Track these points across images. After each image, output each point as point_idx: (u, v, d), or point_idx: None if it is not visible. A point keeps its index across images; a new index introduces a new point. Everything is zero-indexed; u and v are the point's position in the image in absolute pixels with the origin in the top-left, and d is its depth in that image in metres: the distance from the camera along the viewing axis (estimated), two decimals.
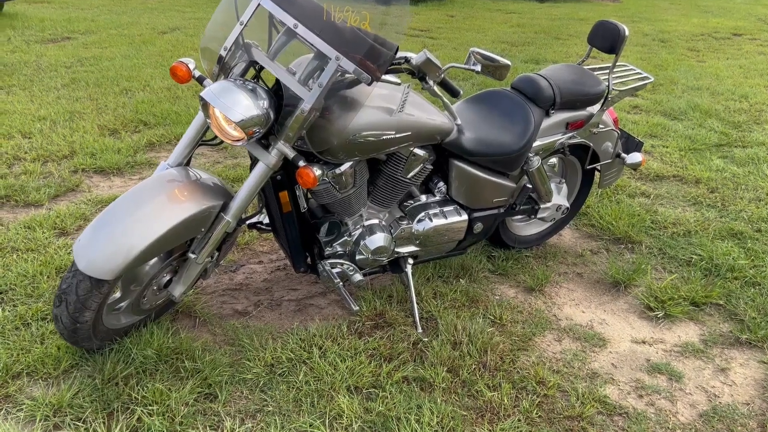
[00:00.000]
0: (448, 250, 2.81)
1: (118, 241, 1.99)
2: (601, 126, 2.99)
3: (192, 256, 2.23)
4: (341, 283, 2.46)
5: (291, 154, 2.11)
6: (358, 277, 2.49)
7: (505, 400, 2.17)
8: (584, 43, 9.19)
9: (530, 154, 2.78)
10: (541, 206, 3.03)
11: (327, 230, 2.46)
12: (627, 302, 2.86)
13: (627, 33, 2.82)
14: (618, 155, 3.19)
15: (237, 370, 2.25)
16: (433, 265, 2.97)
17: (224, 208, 2.19)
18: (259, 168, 2.15)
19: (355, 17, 2.02)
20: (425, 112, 2.38)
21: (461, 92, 2.30)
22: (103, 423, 1.97)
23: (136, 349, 2.25)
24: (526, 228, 3.25)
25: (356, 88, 2.21)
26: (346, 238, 2.49)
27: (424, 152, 2.48)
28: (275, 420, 2.05)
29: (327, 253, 2.49)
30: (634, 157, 3.15)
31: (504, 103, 2.79)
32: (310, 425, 2.02)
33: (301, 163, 2.10)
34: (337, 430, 2.02)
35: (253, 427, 2.02)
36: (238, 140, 2.04)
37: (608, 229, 3.45)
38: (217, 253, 2.40)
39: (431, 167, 2.59)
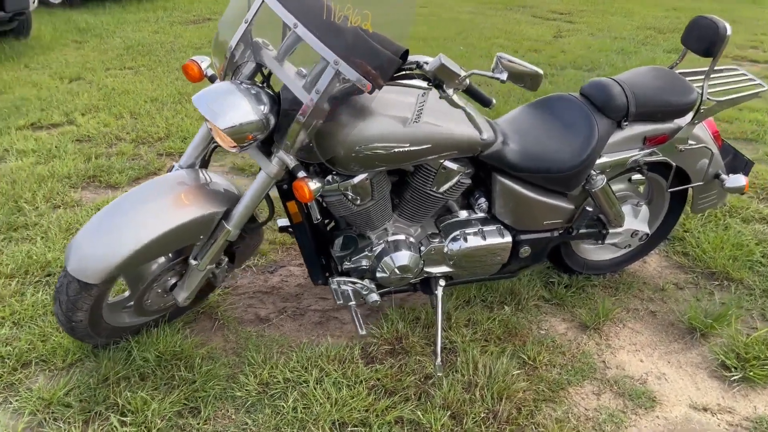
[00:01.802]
0: (490, 273, 2.52)
1: (109, 244, 1.95)
2: (691, 142, 2.52)
3: (193, 262, 2.15)
4: (353, 303, 2.27)
5: (291, 163, 1.95)
6: (373, 297, 2.29)
7: None
8: (755, 30, 8.10)
9: (594, 172, 2.40)
10: (611, 231, 2.62)
11: (342, 244, 2.27)
12: (700, 355, 2.41)
13: (728, 32, 2.33)
14: (717, 176, 2.68)
15: (230, 385, 2.15)
16: (477, 287, 2.68)
17: (227, 215, 2.08)
18: (260, 177, 2.02)
19: (356, 16, 1.79)
20: (452, 122, 2.11)
21: (494, 102, 1.99)
22: (80, 428, 1.95)
23: (138, 351, 2.23)
24: (597, 252, 2.85)
25: (366, 94, 1.99)
26: (366, 252, 2.30)
27: (457, 166, 2.21)
28: None
29: (345, 268, 2.31)
30: (736, 180, 2.64)
31: (565, 111, 2.43)
32: None
33: (300, 174, 1.94)
34: None
35: None
36: (232, 147, 1.91)
37: (704, 259, 2.94)
38: (225, 259, 2.30)
39: (469, 181, 2.31)
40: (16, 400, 2.06)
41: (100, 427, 1.95)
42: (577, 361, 2.34)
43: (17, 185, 3.41)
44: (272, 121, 1.92)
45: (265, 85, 2.02)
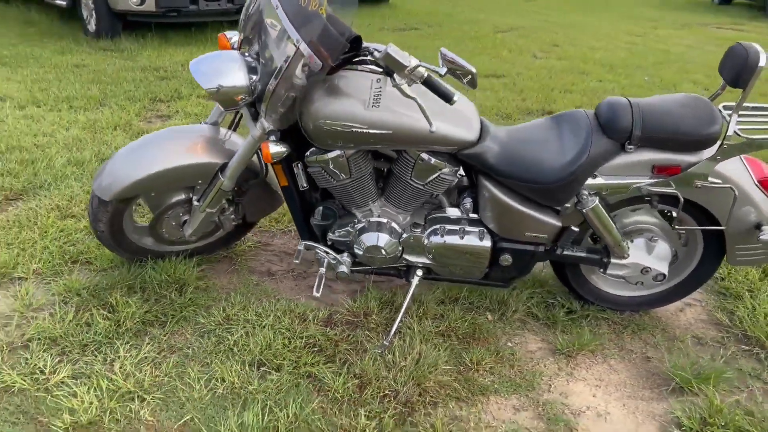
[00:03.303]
0: (475, 278, 2.55)
1: (124, 170, 2.41)
2: (712, 179, 2.29)
3: (196, 203, 2.54)
4: (323, 269, 2.47)
5: (267, 128, 2.23)
6: (342, 268, 2.47)
7: None
8: None
9: (585, 192, 2.31)
10: (613, 260, 2.48)
11: (322, 215, 2.49)
12: (665, 408, 2.19)
13: (763, 62, 2.09)
14: (758, 226, 2.38)
15: (201, 312, 2.49)
16: (470, 290, 2.70)
17: (225, 167, 2.43)
18: (249, 138, 2.33)
19: (315, 2, 2.02)
20: (416, 113, 2.20)
21: (455, 96, 2.06)
22: (69, 312, 2.42)
23: (150, 269, 2.67)
24: (616, 285, 2.68)
25: (338, 75, 2.20)
26: (349, 228, 2.49)
27: (434, 160, 2.31)
28: (183, 361, 2.24)
29: (330, 238, 2.52)
30: None
31: (569, 125, 2.37)
32: (197, 379, 2.15)
33: (270, 138, 2.21)
34: (211, 390, 2.12)
35: (163, 358, 2.25)
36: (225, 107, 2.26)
37: (746, 321, 2.61)
38: (231, 208, 2.65)
39: (453, 179, 2.39)
40: (52, 283, 2.61)
41: (85, 315, 2.41)
42: (521, 376, 2.28)
43: None
44: (259, 88, 2.22)
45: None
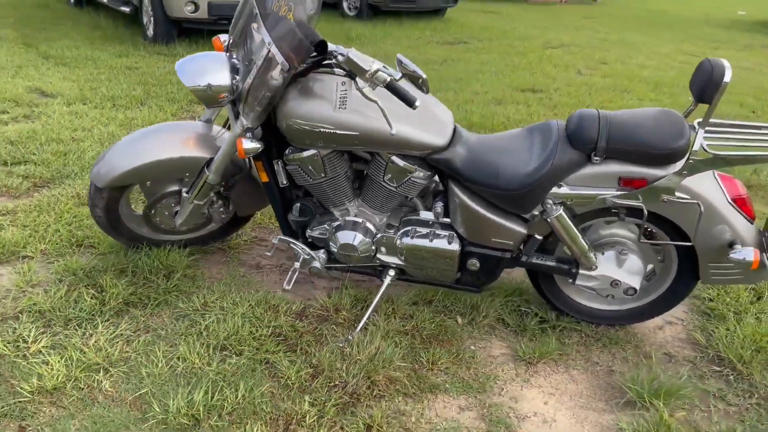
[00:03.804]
0: (448, 281, 2.60)
1: (118, 160, 2.59)
2: (680, 194, 2.27)
3: (185, 195, 2.70)
4: (298, 264, 2.58)
5: (246, 125, 2.37)
6: (314, 263, 2.57)
7: (307, 420, 2.04)
8: None
9: (550, 201, 2.33)
10: (581, 271, 2.48)
11: (300, 211, 2.60)
12: (614, 420, 2.18)
13: (727, 78, 2.08)
14: (731, 244, 2.35)
15: (182, 298, 2.64)
16: (446, 294, 2.75)
17: (211, 162, 2.58)
18: (230, 135, 2.47)
19: (284, 7, 2.15)
20: (394, 119, 2.28)
21: (417, 101, 2.13)
22: (62, 290, 2.61)
23: (144, 255, 2.84)
24: (591, 297, 2.68)
25: (311, 78, 2.31)
26: (326, 225, 2.59)
27: (404, 163, 2.39)
28: (154, 340, 2.39)
29: (308, 234, 2.63)
30: (744, 253, 2.29)
31: (540, 135, 2.41)
32: (162, 358, 2.29)
33: (247, 135, 2.35)
34: (171, 368, 2.25)
35: (137, 336, 2.41)
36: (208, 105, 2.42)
37: (723, 341, 2.55)
38: (220, 202, 2.79)
39: (425, 182, 2.46)
40: (55, 263, 2.82)
41: (74, 293, 2.60)
42: (475, 379, 2.32)
43: None
44: (239, 88, 2.36)
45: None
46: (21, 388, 2.08)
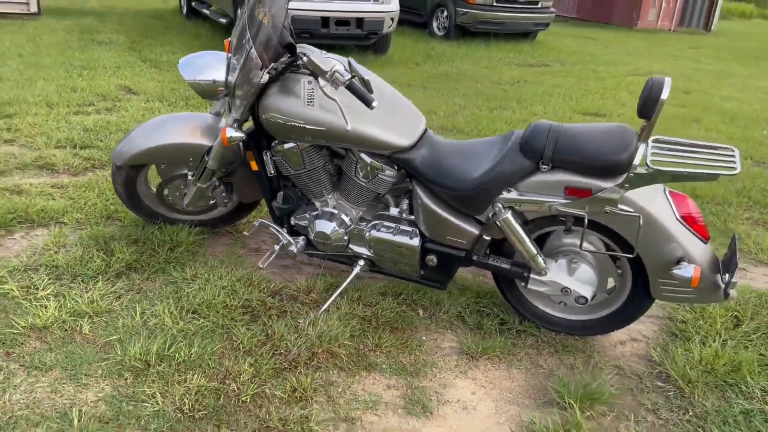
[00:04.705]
0: (414, 275, 2.77)
1: (135, 141, 2.97)
2: (623, 207, 2.33)
3: (190, 177, 3.05)
4: (277, 246, 2.85)
5: (235, 117, 2.68)
6: (292, 248, 2.83)
7: (242, 377, 2.28)
8: None
9: (499, 204, 2.47)
10: (532, 275, 2.58)
11: (283, 198, 2.87)
12: (529, 417, 2.26)
13: (664, 95, 2.15)
14: (680, 261, 2.37)
15: (176, 267, 2.97)
16: (415, 288, 2.92)
17: (211, 150, 2.91)
18: (222, 125, 2.79)
19: (263, 13, 2.45)
20: (362, 118, 2.49)
21: (374, 101, 2.35)
22: (79, 251, 3.01)
23: (158, 230, 3.20)
24: (552, 305, 2.75)
25: (289, 77, 2.58)
26: (307, 215, 2.85)
27: (371, 160, 2.61)
28: (141, 299, 2.73)
29: (293, 222, 2.90)
30: (684, 270, 2.32)
31: (502, 143, 2.54)
32: (141, 314, 2.62)
33: (230, 126, 2.65)
34: (145, 323, 2.57)
35: (126, 294, 2.75)
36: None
37: (671, 362, 2.56)
38: (222, 187, 3.11)
39: (393, 179, 2.66)
40: (85, 230, 3.24)
41: (88, 254, 2.99)
42: (413, 364, 2.47)
43: None
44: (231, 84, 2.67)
45: None
46: (16, 322, 2.47)
